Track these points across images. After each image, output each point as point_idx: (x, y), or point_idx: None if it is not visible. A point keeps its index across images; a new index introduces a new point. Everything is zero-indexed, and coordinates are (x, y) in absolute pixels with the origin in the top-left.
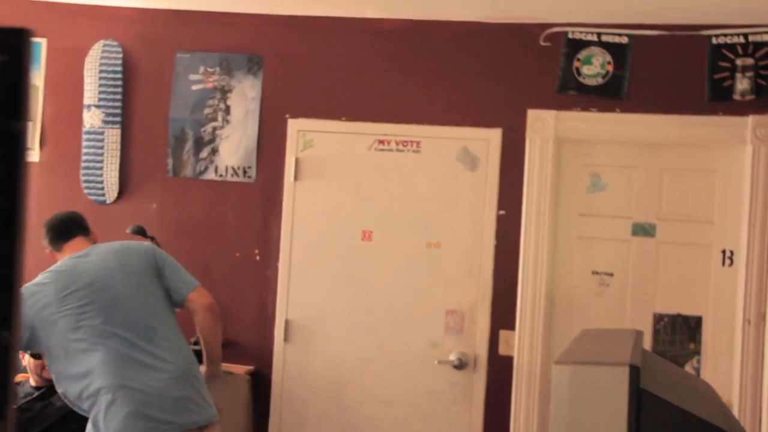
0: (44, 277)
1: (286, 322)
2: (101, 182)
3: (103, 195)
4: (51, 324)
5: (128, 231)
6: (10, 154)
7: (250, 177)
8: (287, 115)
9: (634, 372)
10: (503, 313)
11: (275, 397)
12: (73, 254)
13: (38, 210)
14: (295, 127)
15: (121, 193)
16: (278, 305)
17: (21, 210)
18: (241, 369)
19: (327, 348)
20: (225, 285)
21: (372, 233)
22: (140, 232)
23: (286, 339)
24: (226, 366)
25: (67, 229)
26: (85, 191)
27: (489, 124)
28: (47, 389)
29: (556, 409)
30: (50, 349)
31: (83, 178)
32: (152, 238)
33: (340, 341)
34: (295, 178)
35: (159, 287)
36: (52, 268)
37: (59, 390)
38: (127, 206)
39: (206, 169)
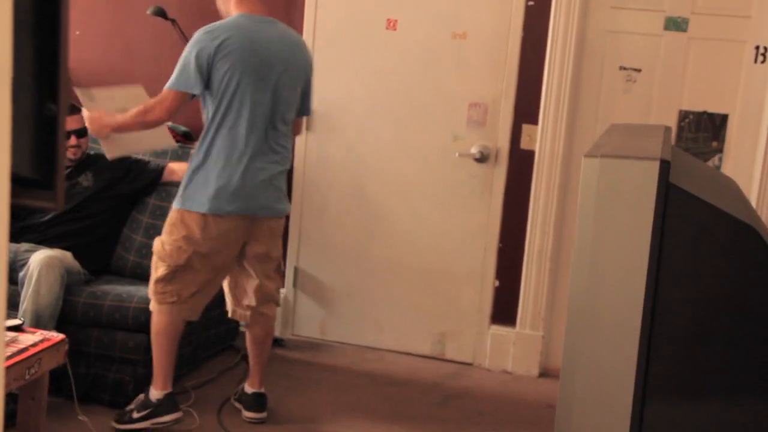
0: (227, 30)
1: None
2: None
3: None
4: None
5: (149, 12)
6: None
7: None
8: None
9: (665, 166)
10: (527, 107)
11: (296, 185)
12: (256, 16)
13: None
14: None
15: None
16: None
17: None
18: None
19: (348, 138)
20: None
21: (397, 22)
22: (161, 13)
23: (307, 128)
24: None
25: None
26: None
27: None
28: (74, 169)
29: (583, 202)
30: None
31: None
32: (173, 21)
33: (361, 131)
34: None
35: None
36: (237, 22)
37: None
38: None
39: None
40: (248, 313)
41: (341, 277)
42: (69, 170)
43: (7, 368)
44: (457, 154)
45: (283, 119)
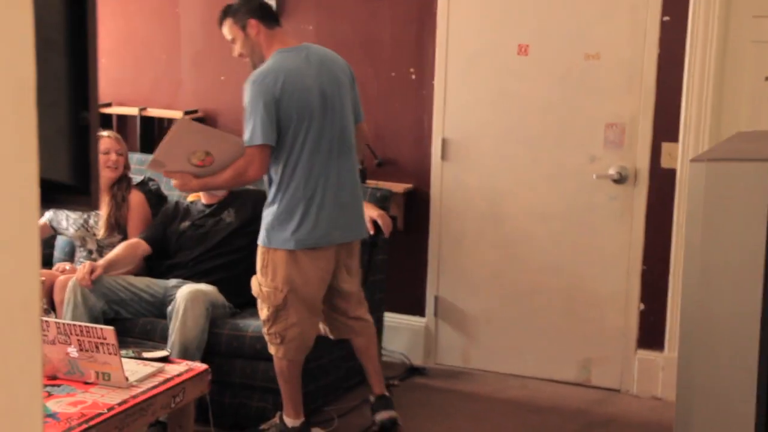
0: (277, 71)
1: (443, 140)
2: None
3: None
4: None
5: None
6: None
7: None
8: None
9: None
10: (666, 125)
11: (434, 214)
12: (292, 48)
13: (203, 37)
14: None
15: (279, 15)
16: (434, 124)
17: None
18: (399, 187)
19: (483, 164)
20: (381, 105)
21: (528, 47)
22: None
23: (443, 157)
24: (384, 184)
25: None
26: None
27: None
28: (218, 206)
29: (691, 209)
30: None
31: None
32: None
33: (496, 157)
34: None
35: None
36: (282, 62)
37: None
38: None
39: None
40: (344, 328)
41: (481, 304)
42: (213, 207)
43: (154, 397)
44: (594, 176)
45: (349, 137)
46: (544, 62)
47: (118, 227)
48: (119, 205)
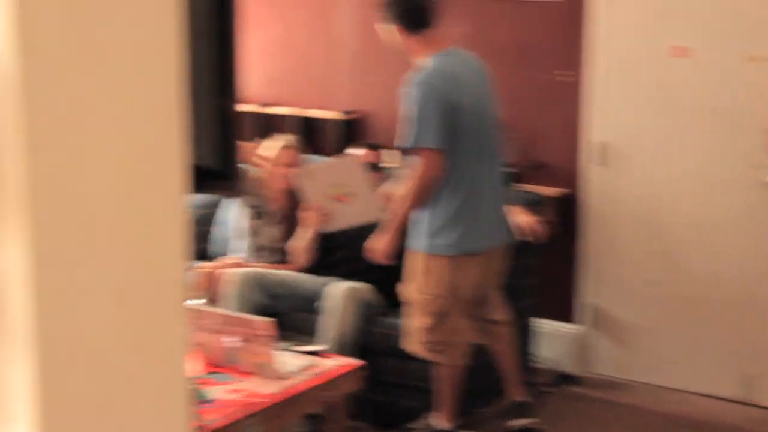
0: (441, 74)
1: (597, 144)
2: None
3: None
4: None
5: None
6: None
7: None
8: None
9: None
10: None
11: (586, 220)
12: (446, 51)
13: (360, 39)
14: None
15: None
16: (588, 128)
17: None
18: (551, 191)
19: (639, 170)
20: (533, 108)
21: (687, 48)
22: None
23: (596, 161)
24: (535, 188)
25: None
26: None
27: None
28: None
29: None
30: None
31: None
32: None
33: (654, 163)
34: None
35: None
36: (443, 65)
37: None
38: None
39: None
40: (486, 328)
41: (639, 313)
42: None
43: (308, 391)
44: (758, 182)
45: (497, 141)
46: (703, 65)
47: (288, 224)
48: (291, 205)
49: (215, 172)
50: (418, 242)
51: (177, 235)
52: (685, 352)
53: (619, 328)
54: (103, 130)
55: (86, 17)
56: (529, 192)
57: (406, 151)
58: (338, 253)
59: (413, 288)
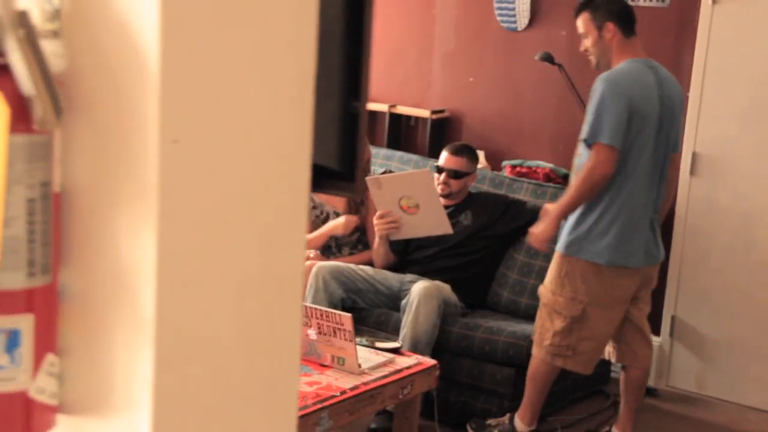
0: (632, 80)
1: (693, 154)
2: (513, 9)
3: (515, 22)
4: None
5: (536, 58)
6: None
7: (664, 1)
8: None
9: None
10: None
11: (678, 231)
12: (641, 60)
13: (455, 39)
14: None
15: (532, 20)
16: (686, 137)
17: None
18: None
19: (737, 182)
20: None
21: None
22: (548, 59)
23: (692, 172)
24: None
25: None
26: (498, 18)
27: None
28: (455, 208)
29: None
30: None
31: (496, 5)
32: (560, 66)
33: (749, 176)
34: (714, 1)
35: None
36: (634, 71)
37: None
38: (536, 33)
39: None
40: (627, 354)
41: (723, 328)
42: (451, 209)
43: (384, 386)
44: None
45: (668, 164)
46: None
47: (356, 226)
48: (357, 206)
49: (335, 172)
50: (565, 244)
51: (298, 233)
52: None
53: (702, 342)
54: (235, 127)
55: (226, 19)
56: None
57: (586, 144)
58: (419, 251)
59: (548, 289)
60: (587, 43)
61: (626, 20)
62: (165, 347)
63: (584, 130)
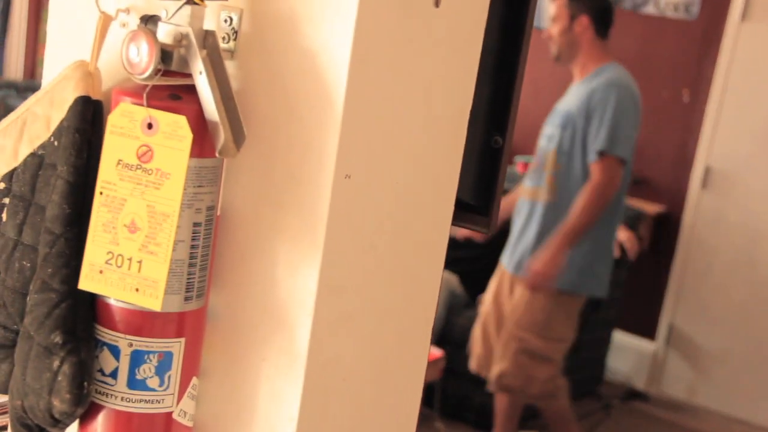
0: (628, 87)
1: (706, 168)
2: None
3: (538, 19)
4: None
5: None
6: None
7: (690, 14)
8: None
9: None
10: None
11: (683, 241)
12: (619, 65)
13: None
14: None
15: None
16: (699, 150)
17: (528, 18)
18: (650, 208)
19: (747, 199)
20: (645, 122)
21: None
22: None
23: (703, 185)
24: (636, 203)
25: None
26: None
27: None
28: None
29: None
30: None
31: None
32: None
33: (763, 194)
34: (743, 18)
35: None
36: (623, 78)
37: None
38: None
39: (646, 1)
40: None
41: (720, 340)
42: None
43: None
44: None
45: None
46: None
47: None
48: None
49: (470, 205)
50: (564, 277)
51: (437, 266)
52: (759, 384)
53: (697, 351)
54: (399, 161)
55: (408, 55)
56: (632, 207)
57: (598, 156)
58: None
59: (534, 332)
60: (554, 29)
61: (603, 20)
62: (313, 382)
63: (600, 140)
